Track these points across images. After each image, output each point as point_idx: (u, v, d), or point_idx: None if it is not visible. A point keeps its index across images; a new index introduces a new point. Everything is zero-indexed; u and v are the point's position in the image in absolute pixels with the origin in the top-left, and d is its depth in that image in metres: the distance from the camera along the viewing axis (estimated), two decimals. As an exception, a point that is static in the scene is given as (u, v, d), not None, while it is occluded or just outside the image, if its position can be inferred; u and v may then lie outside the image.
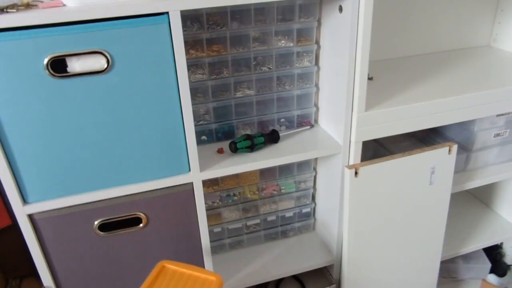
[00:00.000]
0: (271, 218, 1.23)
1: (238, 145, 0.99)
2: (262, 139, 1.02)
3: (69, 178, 0.86)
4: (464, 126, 1.27)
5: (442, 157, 1.12)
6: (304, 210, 1.26)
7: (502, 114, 1.25)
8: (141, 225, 0.96)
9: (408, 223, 1.17)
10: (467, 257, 1.50)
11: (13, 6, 0.74)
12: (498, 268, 1.53)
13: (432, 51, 1.42)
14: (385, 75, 1.24)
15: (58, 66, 0.76)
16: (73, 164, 0.85)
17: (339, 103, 1.00)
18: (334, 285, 1.23)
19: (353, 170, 1.03)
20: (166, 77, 0.83)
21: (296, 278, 1.29)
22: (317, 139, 1.08)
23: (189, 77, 0.99)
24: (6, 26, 0.70)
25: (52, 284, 0.96)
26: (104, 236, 0.95)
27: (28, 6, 0.75)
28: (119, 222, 0.94)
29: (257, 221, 1.22)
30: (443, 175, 1.14)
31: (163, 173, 0.92)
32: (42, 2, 0.76)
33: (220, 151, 1.03)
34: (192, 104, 1.01)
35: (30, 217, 0.88)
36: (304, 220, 1.28)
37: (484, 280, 1.30)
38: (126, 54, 0.79)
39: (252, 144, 1.00)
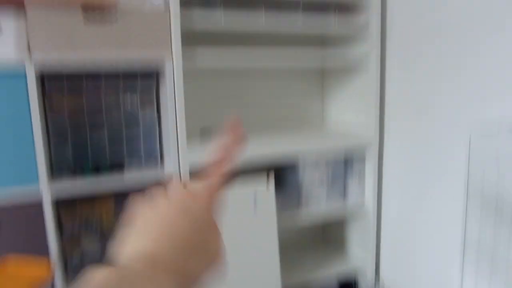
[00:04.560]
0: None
1: (84, 167, 1.26)
2: (107, 167, 1.30)
3: None
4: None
5: (262, 187, 1.41)
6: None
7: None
8: (-7, 229, 1.15)
9: (239, 247, 1.38)
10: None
11: None
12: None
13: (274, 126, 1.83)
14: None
15: None
16: None
17: (170, 140, 1.32)
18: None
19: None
20: (23, 108, 1.15)
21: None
22: (158, 170, 1.37)
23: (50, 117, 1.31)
24: None
25: None
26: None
27: None
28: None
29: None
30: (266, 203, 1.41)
31: (15, 182, 1.16)
32: None
33: (72, 176, 1.29)
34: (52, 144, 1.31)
35: None
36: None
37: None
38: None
39: (97, 167, 1.27)
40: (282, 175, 1.67)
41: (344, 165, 1.64)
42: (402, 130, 1.55)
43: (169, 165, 1.37)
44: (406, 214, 1.57)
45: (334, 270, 1.67)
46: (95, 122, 1.36)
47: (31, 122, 1.16)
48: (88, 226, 1.37)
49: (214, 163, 0.42)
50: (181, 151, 1.31)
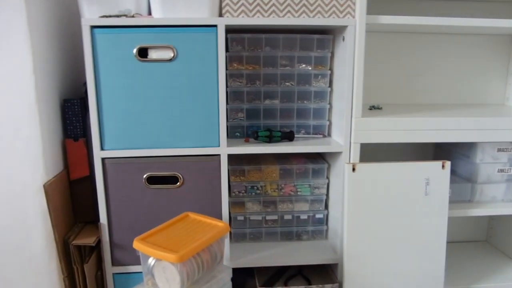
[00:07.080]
0: (288, 217, 1.44)
1: (259, 134, 1.29)
2: (279, 133, 1.31)
3: (134, 135, 1.22)
4: (468, 159, 1.43)
5: (436, 171, 1.29)
6: (317, 216, 1.45)
7: (503, 150, 1.40)
8: (178, 183, 1.26)
9: (406, 229, 1.30)
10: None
11: (125, 15, 1.19)
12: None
13: (450, 103, 1.64)
14: (395, 109, 1.48)
15: (142, 53, 1.17)
16: (140, 125, 1.21)
17: (343, 112, 1.27)
18: (337, 284, 1.35)
19: (351, 166, 1.25)
20: (211, 70, 1.20)
21: (304, 277, 1.43)
22: (325, 142, 1.34)
23: (230, 83, 1.35)
24: (120, 24, 1.14)
25: (106, 221, 1.26)
26: (150, 188, 1.25)
27: (133, 16, 1.19)
28: (162, 177, 1.25)
29: (275, 217, 1.44)
30: (438, 189, 1.29)
31: (200, 144, 1.24)
32: (141, 15, 1.21)
33: (246, 140, 1.33)
34: (230, 104, 1.36)
35: (103, 160, 1.23)
36: (317, 225, 1.46)
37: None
38: (186, 50, 1.18)
39: (270, 135, 1.29)
40: (456, 158, 1.51)
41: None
42: None
43: (338, 139, 1.33)
44: None
45: (499, 282, 1.48)
46: (269, 91, 1.37)
47: (217, 86, 1.20)
48: (252, 191, 1.42)
49: None
50: (354, 126, 1.25)
